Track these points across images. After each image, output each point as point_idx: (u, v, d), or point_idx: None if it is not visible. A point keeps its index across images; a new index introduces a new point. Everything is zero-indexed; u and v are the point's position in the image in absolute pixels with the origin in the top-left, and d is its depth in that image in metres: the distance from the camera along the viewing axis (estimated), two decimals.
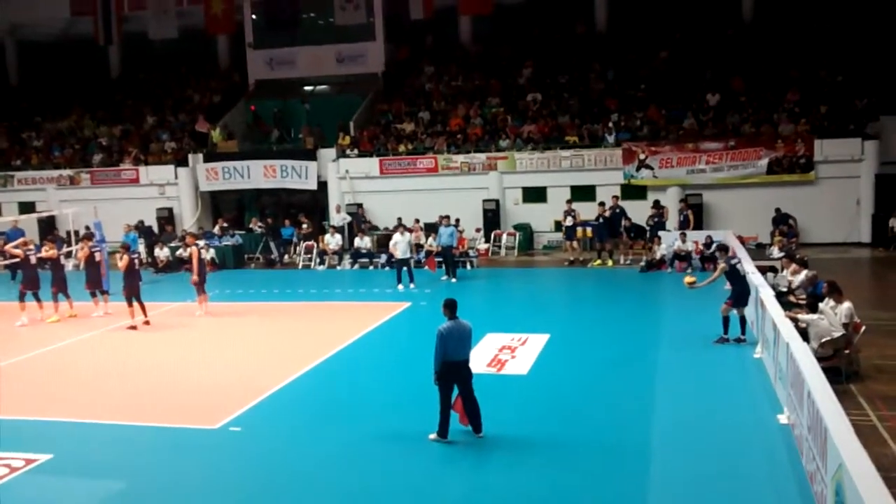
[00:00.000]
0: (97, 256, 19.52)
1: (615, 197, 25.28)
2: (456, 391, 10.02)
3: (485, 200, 28.22)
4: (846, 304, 12.44)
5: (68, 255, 24.31)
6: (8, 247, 20.96)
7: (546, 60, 32.47)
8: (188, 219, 30.89)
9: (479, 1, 32.27)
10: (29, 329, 17.97)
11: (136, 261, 18.04)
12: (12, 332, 17.74)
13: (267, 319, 18.49)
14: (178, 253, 26.13)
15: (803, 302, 13.54)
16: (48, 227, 29.43)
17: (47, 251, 19.67)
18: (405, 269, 21.54)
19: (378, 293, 21.10)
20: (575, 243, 24.87)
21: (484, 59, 33.85)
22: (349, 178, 29.60)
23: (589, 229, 24.92)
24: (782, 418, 10.20)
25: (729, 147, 26.51)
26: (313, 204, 30.66)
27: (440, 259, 22.92)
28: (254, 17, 34.90)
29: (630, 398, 11.63)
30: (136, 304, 17.52)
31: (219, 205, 32.39)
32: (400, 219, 25.24)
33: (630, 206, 25.32)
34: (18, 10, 36.26)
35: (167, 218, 30.78)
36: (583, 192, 27.01)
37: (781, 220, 25.06)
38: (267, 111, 33.48)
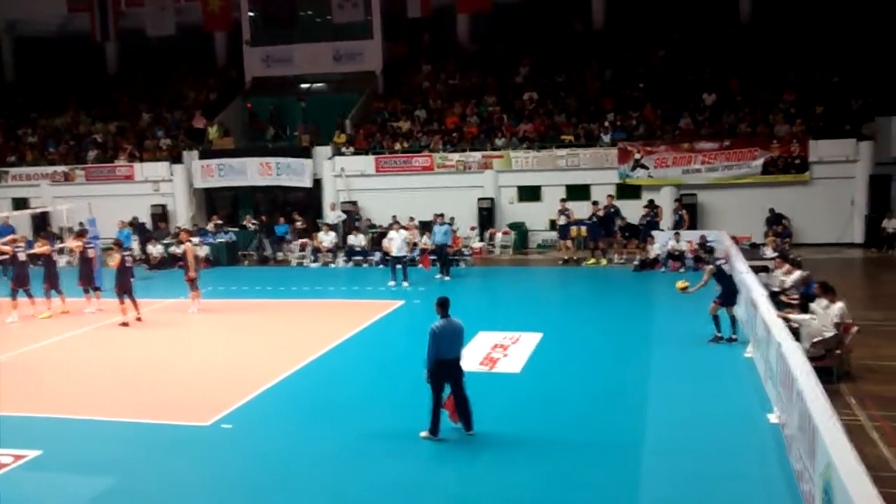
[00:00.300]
0: (90, 253, 19.49)
1: (610, 196, 25.28)
2: (448, 389, 10.02)
3: (480, 199, 28.22)
4: (839, 305, 12.46)
5: (61, 251, 24.29)
6: None
7: (543, 59, 32.46)
8: (182, 216, 30.84)
9: None
10: (21, 325, 17.93)
11: (129, 258, 17.97)
12: (3, 328, 17.70)
13: (260, 317, 18.48)
14: (171, 250, 26.13)
15: (795, 302, 13.58)
16: (42, 224, 29.36)
17: (40, 247, 19.66)
18: (399, 266, 21.55)
19: (372, 291, 21.09)
20: (569, 242, 24.87)
21: (481, 57, 33.82)
22: (344, 176, 29.57)
23: (583, 228, 24.92)
24: (772, 417, 10.22)
25: (724, 147, 26.53)
26: (308, 201, 30.64)
27: (434, 257, 22.92)
28: (251, 14, 34.81)
29: (622, 397, 11.65)
30: (128, 300, 17.51)
31: (213, 202, 32.32)
32: (395, 217, 25.22)
33: (625, 205, 25.35)
34: (15, 6, 36.19)
35: (161, 215, 30.73)
36: (578, 192, 27.00)
37: (775, 221, 25.09)
38: (263, 108, 33.43)
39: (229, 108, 33.90)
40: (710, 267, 14.43)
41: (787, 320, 11.86)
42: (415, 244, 24.45)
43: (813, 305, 12.52)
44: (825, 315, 12.28)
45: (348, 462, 9.59)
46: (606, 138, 27.82)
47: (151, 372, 13.74)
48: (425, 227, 24.94)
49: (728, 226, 24.15)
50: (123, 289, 17.45)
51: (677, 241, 22.69)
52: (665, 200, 26.23)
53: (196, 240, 22.04)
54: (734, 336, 14.24)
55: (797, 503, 7.92)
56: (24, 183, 32.55)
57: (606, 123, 28.30)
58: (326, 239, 26.15)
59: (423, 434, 10.04)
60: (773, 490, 8.42)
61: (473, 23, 34.63)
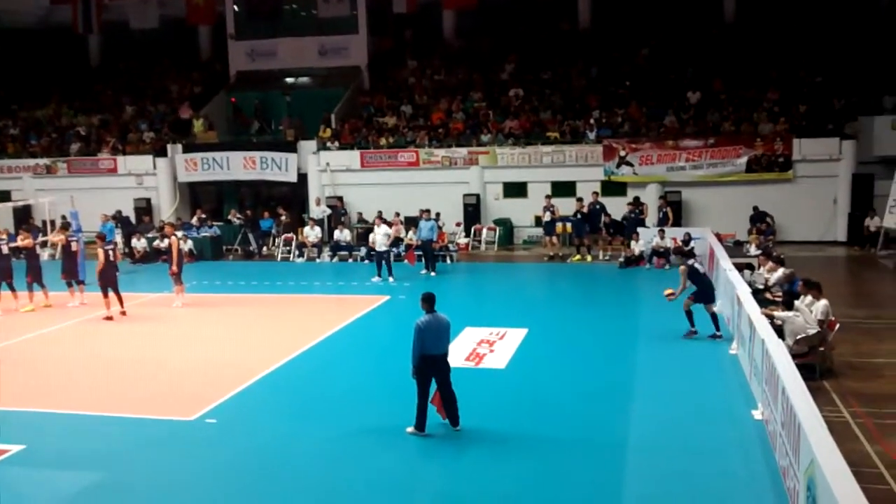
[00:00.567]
0: (73, 246, 19.34)
1: (595, 193, 25.38)
2: (434, 385, 10.03)
3: (465, 195, 28.22)
4: (823, 302, 12.56)
5: (44, 244, 24.09)
6: None
7: (529, 56, 32.50)
8: (166, 209, 30.66)
9: None
10: (2, 319, 17.75)
11: (111, 252, 17.84)
12: None
13: (244, 311, 18.42)
14: (155, 244, 25.97)
15: (779, 299, 13.65)
16: (24, 216, 29.11)
17: (22, 240, 19.48)
18: (384, 261, 21.54)
19: (357, 286, 21.06)
20: (554, 238, 24.93)
21: (467, 53, 33.81)
22: (329, 171, 29.50)
23: (569, 225, 24.98)
24: (756, 414, 10.29)
25: (708, 145, 26.67)
26: (293, 196, 30.55)
27: (420, 253, 22.91)
28: (235, 7, 34.61)
29: (607, 393, 11.69)
30: (112, 294, 17.40)
31: (197, 196, 32.16)
32: (380, 212, 25.22)
33: (610, 202, 25.43)
34: None
35: (145, 208, 30.55)
36: (563, 188, 27.07)
37: (759, 218, 25.25)
38: (248, 102, 33.28)
39: (213, 101, 33.73)
40: (683, 267, 14.58)
41: (770, 317, 11.95)
42: (399, 239, 24.50)
43: (797, 303, 12.61)
44: (808, 312, 12.38)
45: (334, 457, 9.57)
46: (592, 135, 27.91)
47: (135, 366, 13.66)
48: (411, 222, 24.93)
49: (712, 223, 24.29)
50: (107, 282, 17.33)
51: (662, 238, 22.79)
52: (650, 198, 26.35)
53: (180, 233, 21.90)
54: (717, 333, 14.32)
55: (782, 500, 7.97)
56: (6, 175, 32.22)
57: (592, 121, 28.38)
58: (312, 234, 26.08)
59: (410, 430, 10.04)
60: (757, 487, 8.47)
61: (459, 19, 34.60)
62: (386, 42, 34.84)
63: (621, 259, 23.23)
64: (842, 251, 24.98)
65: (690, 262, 14.63)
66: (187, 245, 25.15)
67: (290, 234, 26.91)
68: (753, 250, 21.07)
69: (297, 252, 26.33)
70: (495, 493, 8.56)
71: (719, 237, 21.80)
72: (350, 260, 25.38)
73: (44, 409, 11.44)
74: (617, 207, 25.30)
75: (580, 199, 24.83)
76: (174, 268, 18.50)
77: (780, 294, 14.26)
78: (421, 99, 31.93)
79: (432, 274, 22.31)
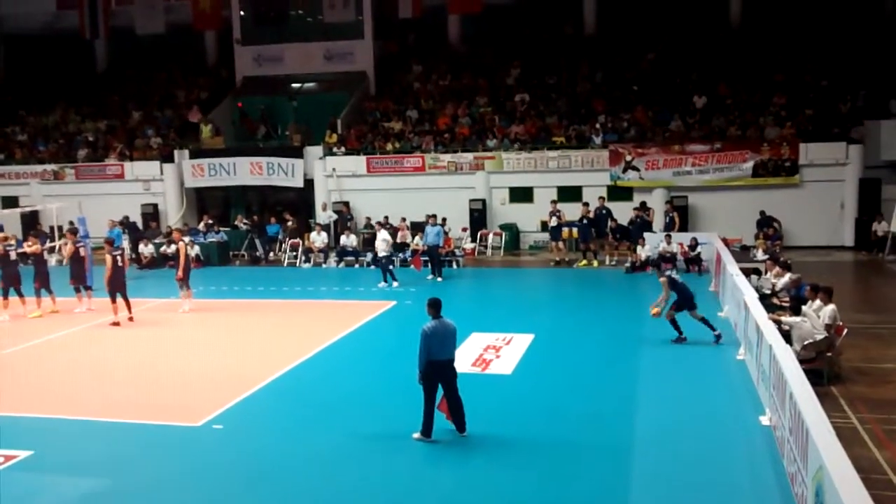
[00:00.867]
0: (81, 252, 19.40)
1: (601, 198, 25.39)
2: (441, 391, 10.02)
3: (471, 200, 28.22)
4: (830, 307, 12.52)
5: (52, 250, 24.16)
6: None
7: (534, 61, 32.52)
8: (173, 215, 30.74)
9: (468, 0, 32.26)
10: (11, 324, 17.82)
11: (120, 257, 17.89)
12: None
13: (251, 317, 18.44)
14: (162, 249, 26.04)
15: (786, 304, 13.63)
16: (31, 222, 29.21)
17: (30, 246, 19.54)
18: (385, 266, 21.60)
19: (363, 291, 21.07)
20: (560, 244, 24.92)
21: (472, 58, 33.85)
22: (336, 176, 29.54)
23: (575, 230, 24.97)
24: (764, 419, 10.26)
25: (715, 149, 26.63)
26: (300, 201, 30.59)
27: (426, 258, 22.91)
28: (242, 13, 34.73)
29: (614, 398, 11.67)
30: (119, 299, 17.44)
31: (204, 201, 32.24)
32: (387, 217, 25.23)
33: (616, 207, 25.40)
34: (4, 3, 36.04)
35: (152, 214, 30.61)
36: (569, 193, 27.04)
37: (766, 223, 25.19)
38: (254, 108, 33.35)
39: (220, 107, 33.82)
40: (663, 279, 14.75)
41: (778, 322, 11.92)
42: (405, 244, 24.52)
43: (804, 308, 12.57)
44: (816, 317, 12.34)
45: (341, 463, 9.58)
46: (598, 140, 27.90)
47: (142, 372, 13.69)
48: (417, 227, 24.94)
49: (719, 228, 24.28)
50: (117, 288, 17.38)
51: (668, 243, 22.75)
52: (656, 202, 26.34)
53: (187, 239, 21.94)
54: (716, 332, 14.37)
55: None
56: (14, 181, 32.39)
57: (598, 125, 28.37)
58: (318, 239, 26.11)
59: (416, 435, 10.04)
60: (765, 493, 8.44)
61: (464, 24, 34.66)
62: (391, 47, 34.91)
63: (627, 264, 23.20)
64: (849, 256, 24.91)
65: (668, 272, 14.77)
66: (194, 251, 25.20)
67: (296, 240, 26.94)
68: (760, 255, 21.02)
69: (303, 257, 26.36)
70: (502, 499, 8.55)
71: (726, 242, 21.74)
72: (356, 265, 25.38)
73: (51, 415, 11.48)
74: (623, 212, 25.26)
75: (586, 204, 24.82)
76: (180, 273, 18.57)
77: (787, 299, 14.24)
78: (427, 104, 31.97)
79: (438, 279, 22.31)
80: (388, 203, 27.88)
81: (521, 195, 28.46)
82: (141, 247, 26.58)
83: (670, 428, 10.34)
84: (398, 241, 25.33)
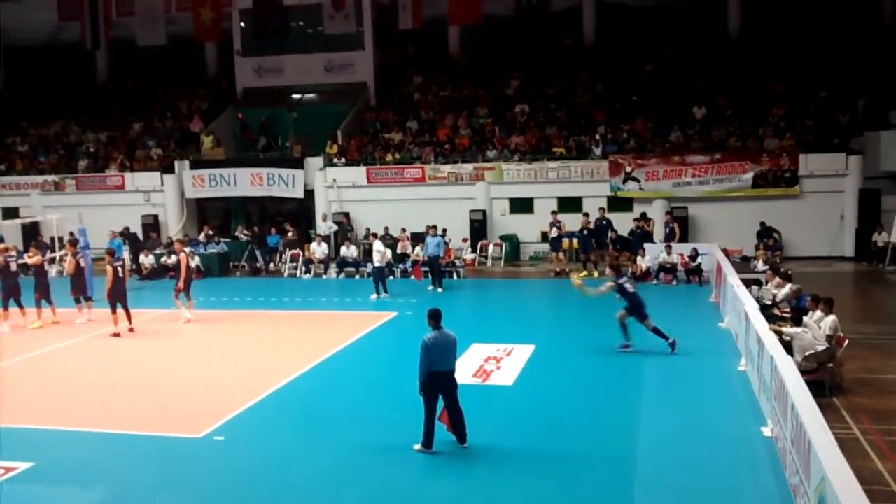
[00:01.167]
0: (81, 263, 19.40)
1: (602, 209, 25.42)
2: (441, 402, 10.01)
3: (472, 211, 28.23)
4: (831, 318, 12.50)
5: (52, 261, 24.16)
6: None
7: (534, 72, 32.60)
8: (173, 226, 30.75)
9: (468, 11, 32.30)
10: (11, 335, 17.80)
11: (120, 268, 17.89)
12: None
13: (252, 328, 18.42)
14: (162, 260, 26.04)
15: (787, 315, 13.62)
16: (32, 233, 29.22)
17: (31, 257, 19.54)
18: (380, 278, 21.62)
19: (363, 302, 21.07)
20: (561, 254, 24.92)
21: (472, 69, 33.94)
22: (336, 187, 29.57)
23: (575, 240, 24.97)
24: (766, 431, 10.25)
25: (714, 160, 26.67)
26: (300, 212, 30.61)
27: (426, 269, 22.90)
28: (242, 24, 34.83)
29: (615, 409, 11.65)
30: (120, 310, 17.44)
31: (205, 212, 32.26)
32: (387, 228, 25.22)
33: (617, 218, 25.43)
34: (5, 15, 35.98)
35: (152, 225, 30.60)
36: (570, 204, 27.07)
37: (766, 234, 25.20)
38: (254, 119, 33.41)
39: (220, 118, 33.87)
40: (611, 283, 15.06)
41: (779, 333, 11.92)
42: (405, 255, 24.52)
43: (805, 319, 12.57)
44: (817, 328, 12.33)
45: (342, 475, 9.55)
46: (598, 151, 27.93)
47: (143, 383, 13.67)
48: (417, 238, 24.95)
49: (719, 239, 24.27)
50: (117, 299, 17.38)
51: (668, 253, 22.76)
52: (656, 213, 26.34)
53: (188, 250, 21.97)
54: (670, 340, 14.46)
55: None
56: (14, 192, 32.40)
57: (597, 136, 28.41)
58: (318, 250, 26.11)
59: (417, 447, 10.02)
60: None
61: (464, 35, 34.75)
62: (392, 58, 34.99)
63: (628, 274, 23.12)
64: (849, 267, 24.91)
65: (621, 280, 14.98)
66: (195, 261, 25.19)
67: (296, 251, 26.93)
68: (761, 266, 21.02)
69: (303, 268, 26.36)
70: None
71: (726, 253, 21.75)
72: (357, 276, 25.36)
73: (51, 427, 11.46)
74: (623, 223, 25.29)
75: (586, 215, 24.86)
76: (180, 284, 18.58)
77: (788, 310, 14.23)
78: (427, 115, 32.03)
79: (439, 290, 22.30)
80: (389, 214, 27.89)
81: (522, 206, 28.48)
82: (141, 257, 26.59)
83: (672, 439, 10.33)
84: (398, 251, 25.36)
